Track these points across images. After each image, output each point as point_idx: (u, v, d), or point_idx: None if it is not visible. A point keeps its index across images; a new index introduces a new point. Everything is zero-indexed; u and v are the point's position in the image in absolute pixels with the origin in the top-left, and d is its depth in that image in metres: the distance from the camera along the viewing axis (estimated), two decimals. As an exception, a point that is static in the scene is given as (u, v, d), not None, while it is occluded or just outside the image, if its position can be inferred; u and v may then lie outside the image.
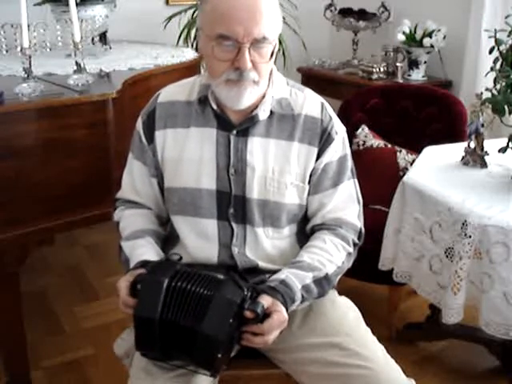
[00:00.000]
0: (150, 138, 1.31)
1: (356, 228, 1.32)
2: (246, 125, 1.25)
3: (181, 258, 1.22)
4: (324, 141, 1.27)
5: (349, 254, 1.29)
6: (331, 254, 1.25)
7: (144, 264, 1.18)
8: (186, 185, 1.27)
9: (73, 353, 2.11)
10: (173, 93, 1.32)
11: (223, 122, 1.26)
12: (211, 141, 1.26)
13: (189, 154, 1.27)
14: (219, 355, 1.05)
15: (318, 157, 1.27)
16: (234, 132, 1.25)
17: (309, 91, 1.33)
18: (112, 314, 2.22)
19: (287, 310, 1.13)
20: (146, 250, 1.25)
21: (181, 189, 1.28)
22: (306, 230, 1.36)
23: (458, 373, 2.02)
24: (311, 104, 1.29)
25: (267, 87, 1.25)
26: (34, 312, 2.27)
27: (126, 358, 1.30)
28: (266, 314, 1.09)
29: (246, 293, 1.08)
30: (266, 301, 1.10)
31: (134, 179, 1.36)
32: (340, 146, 1.30)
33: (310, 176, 1.28)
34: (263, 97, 1.24)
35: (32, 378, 1.89)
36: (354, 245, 1.31)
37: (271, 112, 1.26)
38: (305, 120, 1.27)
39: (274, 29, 1.17)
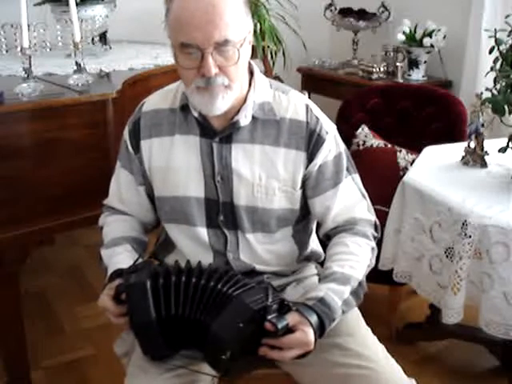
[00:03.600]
0: (137, 148, 1.30)
1: (370, 222, 1.30)
2: (228, 131, 1.22)
3: (151, 258, 1.23)
4: (314, 143, 1.24)
5: (372, 248, 1.27)
6: (357, 255, 1.22)
7: (119, 273, 1.18)
8: (175, 193, 1.27)
9: (73, 353, 2.11)
10: (157, 101, 1.31)
11: (206, 130, 1.24)
12: (196, 148, 1.25)
13: (176, 163, 1.26)
14: (224, 356, 1.03)
15: (311, 160, 1.24)
16: (217, 139, 1.23)
17: (293, 93, 1.28)
18: (112, 314, 2.23)
19: (324, 329, 1.10)
20: (122, 258, 1.25)
21: (171, 197, 1.28)
22: (306, 233, 1.36)
23: (458, 373, 2.02)
24: (295, 107, 1.25)
25: (248, 91, 1.22)
26: (34, 312, 2.27)
27: (126, 358, 1.30)
28: (290, 330, 1.06)
29: (269, 303, 1.05)
30: (292, 318, 1.07)
31: (121, 188, 1.36)
32: (333, 145, 1.27)
33: (305, 181, 1.26)
34: (245, 101, 1.22)
35: (32, 378, 1.89)
36: (375, 238, 1.30)
37: (254, 117, 1.23)
38: (290, 124, 1.24)
39: (239, 29, 1.12)
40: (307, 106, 1.26)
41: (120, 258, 1.25)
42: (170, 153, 1.26)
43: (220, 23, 1.08)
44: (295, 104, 1.26)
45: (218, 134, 1.23)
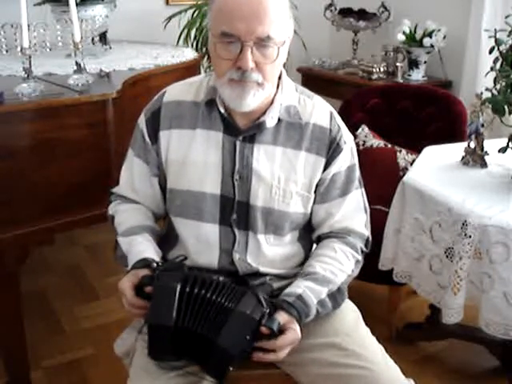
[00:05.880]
0: (154, 138, 1.28)
1: (364, 236, 1.33)
2: (252, 131, 1.22)
3: (185, 258, 1.21)
4: (333, 151, 1.25)
5: (357, 261, 1.30)
6: (342, 263, 1.26)
7: (146, 263, 1.17)
8: (189, 187, 1.26)
9: (73, 353, 2.11)
10: (179, 92, 1.29)
11: (230, 127, 1.23)
12: (217, 145, 1.24)
13: (194, 157, 1.25)
14: (231, 368, 1.07)
15: (326, 167, 1.26)
16: (241, 138, 1.23)
17: (318, 99, 1.30)
18: (112, 314, 2.22)
19: (300, 324, 1.14)
20: (144, 248, 1.24)
21: (184, 191, 1.26)
22: (311, 236, 1.36)
23: (458, 373, 2.02)
24: (320, 113, 1.27)
25: (276, 93, 1.23)
26: (34, 312, 2.27)
27: (127, 358, 1.30)
28: (281, 331, 1.10)
29: (265, 309, 1.08)
30: (282, 317, 1.11)
31: (133, 177, 1.34)
32: (348, 156, 1.29)
33: (317, 186, 1.27)
34: (271, 103, 1.22)
35: (32, 378, 1.89)
36: (362, 252, 1.32)
37: (279, 119, 1.23)
38: (313, 129, 1.25)
39: (281, 29, 1.13)
40: (331, 114, 1.29)
41: (142, 247, 1.24)
42: (189, 146, 1.25)
43: (265, 19, 1.09)
44: (320, 110, 1.28)
45: (242, 133, 1.23)
